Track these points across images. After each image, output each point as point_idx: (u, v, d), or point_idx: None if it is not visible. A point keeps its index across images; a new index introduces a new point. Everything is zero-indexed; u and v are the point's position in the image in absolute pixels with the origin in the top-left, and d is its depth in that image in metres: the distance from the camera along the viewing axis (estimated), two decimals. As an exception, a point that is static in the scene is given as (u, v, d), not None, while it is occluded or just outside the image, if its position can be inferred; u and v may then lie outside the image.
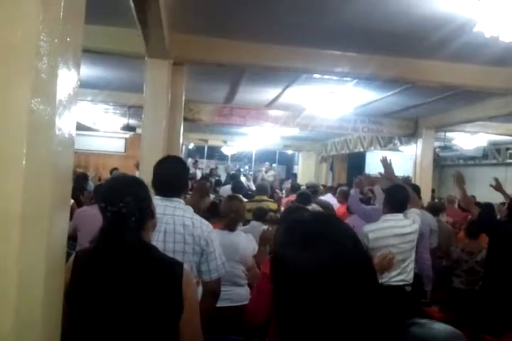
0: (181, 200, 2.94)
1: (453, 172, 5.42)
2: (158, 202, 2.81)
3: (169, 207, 2.84)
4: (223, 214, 4.11)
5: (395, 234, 3.97)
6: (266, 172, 15.56)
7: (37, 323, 1.32)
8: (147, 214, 2.10)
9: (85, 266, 1.96)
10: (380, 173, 4.85)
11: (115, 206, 1.98)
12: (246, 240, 4.01)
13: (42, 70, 1.19)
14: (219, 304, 3.84)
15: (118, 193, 2.03)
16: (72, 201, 6.89)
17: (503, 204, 9.19)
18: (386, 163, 4.87)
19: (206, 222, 2.98)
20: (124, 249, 1.97)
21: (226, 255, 3.84)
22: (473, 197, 11.29)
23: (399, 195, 4.25)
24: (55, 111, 1.23)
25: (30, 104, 1.15)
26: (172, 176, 2.92)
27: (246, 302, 3.89)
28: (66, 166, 1.41)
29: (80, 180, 7.85)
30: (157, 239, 2.70)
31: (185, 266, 2.08)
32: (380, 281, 3.23)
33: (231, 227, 4.03)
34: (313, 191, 7.07)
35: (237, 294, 3.92)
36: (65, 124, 1.30)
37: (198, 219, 2.91)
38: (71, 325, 1.87)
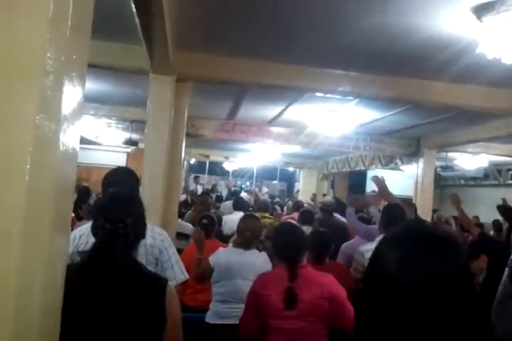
0: None
1: (449, 195, 5.44)
2: None
3: None
4: (239, 232, 4.14)
5: None
6: (260, 190, 15.55)
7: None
8: (141, 235, 2.14)
9: (73, 280, 1.97)
10: (374, 191, 4.85)
11: (113, 225, 1.99)
12: (262, 259, 4.02)
13: (48, 87, 1.20)
14: (227, 321, 3.87)
15: (119, 212, 2.05)
16: (72, 214, 6.89)
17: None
18: (379, 181, 4.86)
19: (159, 230, 2.93)
20: (114, 266, 2.00)
21: (239, 273, 3.87)
22: (477, 217, 11.29)
23: (393, 215, 4.20)
24: (60, 127, 1.25)
25: (35, 120, 1.16)
26: (121, 187, 2.85)
27: None
28: (69, 182, 1.42)
29: (81, 194, 7.84)
30: None
31: (170, 283, 2.11)
32: None
33: (246, 245, 4.04)
34: (330, 210, 6.67)
35: None
36: (68, 140, 1.31)
37: (150, 228, 2.86)
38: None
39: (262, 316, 3.01)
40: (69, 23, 1.23)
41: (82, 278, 1.96)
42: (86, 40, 1.44)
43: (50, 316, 1.45)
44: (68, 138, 1.31)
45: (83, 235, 2.68)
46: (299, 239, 3.21)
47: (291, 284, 2.96)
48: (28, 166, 1.13)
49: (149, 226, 2.88)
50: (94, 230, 2.06)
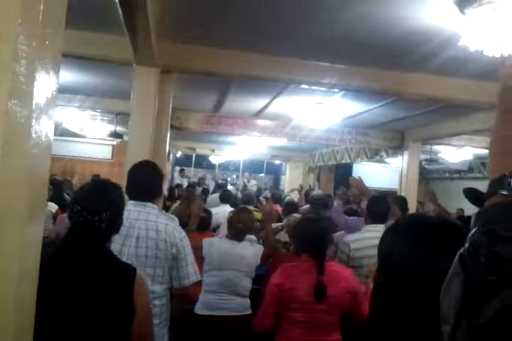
0: (155, 206, 2.95)
1: (426, 191, 5.61)
2: (131, 208, 2.82)
3: (142, 212, 2.84)
4: (232, 225, 4.17)
5: (375, 245, 3.92)
6: (248, 181, 15.58)
7: (8, 329, 1.31)
8: (115, 229, 2.14)
9: (42, 268, 1.98)
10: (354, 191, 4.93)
11: (89, 215, 1.99)
12: (252, 251, 4.08)
13: (20, 73, 1.19)
14: (219, 312, 3.91)
15: (97, 203, 2.04)
16: (57, 207, 6.87)
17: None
18: (357, 183, 4.94)
19: (179, 228, 2.99)
20: (84, 255, 2.01)
21: (231, 264, 3.94)
22: (462, 210, 11.37)
23: (379, 206, 4.29)
24: (32, 114, 1.23)
25: (6, 106, 1.14)
26: (146, 181, 2.92)
27: (247, 312, 3.95)
28: (42, 171, 1.40)
29: (59, 187, 7.80)
30: (129, 244, 2.71)
31: (139, 272, 2.11)
32: None
33: (238, 237, 4.11)
34: (325, 204, 6.33)
35: (238, 304, 3.97)
36: (41, 127, 1.30)
37: (172, 225, 2.91)
38: None
39: (282, 310, 3.01)
40: (41, 8, 1.22)
41: (53, 268, 1.96)
42: (60, 26, 1.42)
43: (26, 304, 1.44)
44: (41, 125, 1.30)
45: None
46: (325, 231, 3.24)
47: (321, 277, 2.96)
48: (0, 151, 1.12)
49: (171, 224, 2.91)
50: (70, 215, 2.06)
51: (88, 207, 2.01)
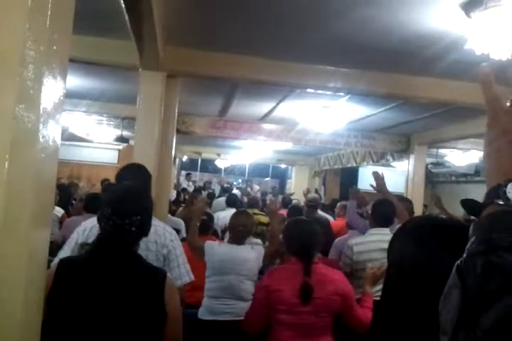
0: None
1: (431, 194, 5.59)
2: None
3: None
4: (232, 228, 4.15)
5: (379, 249, 3.91)
6: (251, 189, 15.59)
7: (16, 334, 1.31)
8: (145, 233, 2.14)
9: (73, 272, 1.97)
10: (372, 186, 4.86)
11: (120, 219, 1.99)
12: (254, 255, 4.03)
13: (27, 78, 1.19)
14: (223, 317, 3.87)
15: (128, 208, 2.05)
16: (63, 211, 6.89)
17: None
18: (378, 177, 4.88)
19: (169, 229, 2.98)
20: (115, 260, 2.01)
21: (232, 268, 3.89)
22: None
23: (384, 210, 4.27)
24: (39, 118, 1.24)
25: (14, 111, 1.15)
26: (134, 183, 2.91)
27: None
28: (49, 173, 1.41)
29: (66, 191, 7.83)
30: None
31: (169, 275, 2.11)
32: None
33: (239, 240, 4.07)
34: (314, 205, 6.93)
35: (241, 308, 3.86)
36: (49, 132, 1.30)
37: (162, 227, 2.90)
38: (51, 329, 1.88)
39: (271, 311, 3.01)
40: (49, 13, 1.22)
41: (85, 271, 1.97)
42: (67, 31, 1.42)
43: (33, 309, 1.44)
44: (49, 130, 1.30)
45: (94, 227, 2.69)
46: (314, 233, 3.22)
47: (307, 279, 2.96)
48: (8, 155, 1.13)
49: (161, 225, 2.90)
50: (100, 218, 2.06)
51: (118, 210, 2.02)
